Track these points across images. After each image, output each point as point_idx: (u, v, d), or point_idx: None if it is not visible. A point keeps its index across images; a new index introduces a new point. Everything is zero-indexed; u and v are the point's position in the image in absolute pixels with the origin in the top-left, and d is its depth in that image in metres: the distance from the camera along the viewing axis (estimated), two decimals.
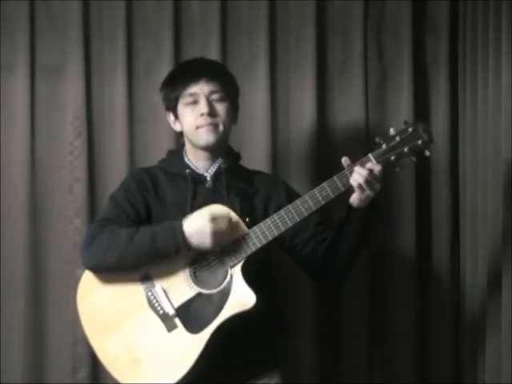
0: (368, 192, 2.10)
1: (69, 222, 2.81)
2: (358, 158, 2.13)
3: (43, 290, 2.80)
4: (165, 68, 2.80)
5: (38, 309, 2.79)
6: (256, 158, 2.79)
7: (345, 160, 2.13)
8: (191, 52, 2.83)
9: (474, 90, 2.81)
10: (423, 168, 2.92)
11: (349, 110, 2.93)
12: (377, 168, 2.10)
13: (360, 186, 2.09)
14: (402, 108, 2.94)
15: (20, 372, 2.77)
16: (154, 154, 2.79)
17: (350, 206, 2.16)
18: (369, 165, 2.10)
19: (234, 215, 2.13)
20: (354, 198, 2.13)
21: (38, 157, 2.80)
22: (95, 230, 2.18)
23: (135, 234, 2.11)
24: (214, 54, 2.81)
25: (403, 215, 2.94)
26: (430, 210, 2.98)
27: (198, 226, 2.07)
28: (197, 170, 2.29)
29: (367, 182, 2.08)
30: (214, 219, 2.07)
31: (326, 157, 2.89)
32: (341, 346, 2.92)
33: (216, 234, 2.07)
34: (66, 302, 2.75)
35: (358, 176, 2.09)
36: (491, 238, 2.65)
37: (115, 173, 2.81)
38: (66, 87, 2.82)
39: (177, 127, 2.34)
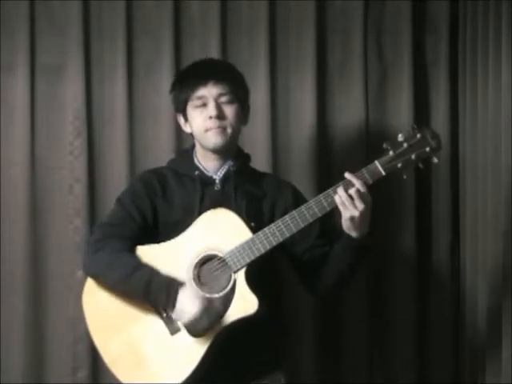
0: (352, 210, 2.06)
1: (69, 221, 2.80)
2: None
3: (43, 289, 2.80)
4: (165, 68, 2.81)
5: (38, 309, 2.79)
6: (256, 157, 2.76)
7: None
8: (191, 52, 2.83)
9: (474, 90, 2.81)
10: (423, 168, 2.92)
11: (349, 110, 2.93)
12: (362, 189, 2.07)
13: (343, 203, 2.07)
14: (401, 108, 2.94)
15: (20, 372, 2.77)
16: (154, 153, 2.80)
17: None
18: (357, 183, 2.08)
19: (239, 220, 2.13)
20: (342, 220, 2.10)
21: (38, 157, 2.80)
22: (99, 241, 2.18)
23: (135, 271, 2.10)
24: (214, 53, 2.80)
25: (403, 215, 2.93)
26: (430, 210, 2.97)
27: (188, 305, 2.05)
28: (206, 172, 2.27)
29: (350, 200, 2.06)
30: (206, 309, 2.04)
31: (326, 157, 2.89)
32: (341, 346, 2.92)
33: (191, 323, 2.06)
34: (66, 302, 2.76)
35: (342, 193, 2.07)
36: (491, 238, 2.66)
37: (115, 173, 2.81)
38: (66, 87, 2.82)
39: (187, 129, 2.33)
